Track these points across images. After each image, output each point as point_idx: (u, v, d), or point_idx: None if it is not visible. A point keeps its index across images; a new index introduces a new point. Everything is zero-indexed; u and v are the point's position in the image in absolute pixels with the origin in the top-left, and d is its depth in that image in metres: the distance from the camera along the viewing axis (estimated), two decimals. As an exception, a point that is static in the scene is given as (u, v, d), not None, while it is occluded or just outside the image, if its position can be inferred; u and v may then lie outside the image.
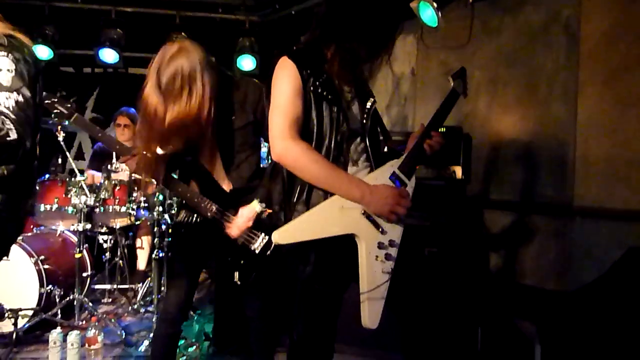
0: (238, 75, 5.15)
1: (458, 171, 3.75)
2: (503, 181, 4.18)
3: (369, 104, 1.93)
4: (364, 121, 1.91)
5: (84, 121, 2.50)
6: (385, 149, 2.10)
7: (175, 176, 2.39)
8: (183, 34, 5.15)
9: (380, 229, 1.74)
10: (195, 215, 2.40)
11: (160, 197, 3.88)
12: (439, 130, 1.98)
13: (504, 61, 4.23)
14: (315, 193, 1.76)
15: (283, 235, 1.66)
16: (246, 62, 5.48)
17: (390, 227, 1.76)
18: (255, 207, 2.27)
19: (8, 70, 1.65)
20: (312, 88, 1.78)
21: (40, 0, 5.30)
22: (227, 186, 2.37)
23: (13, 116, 1.65)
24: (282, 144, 1.72)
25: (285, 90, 1.75)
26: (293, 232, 1.67)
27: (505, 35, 4.24)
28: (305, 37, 1.88)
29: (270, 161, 1.87)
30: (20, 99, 1.66)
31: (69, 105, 2.47)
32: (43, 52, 5.30)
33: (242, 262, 2.32)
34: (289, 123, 1.73)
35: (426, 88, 4.84)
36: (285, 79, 1.76)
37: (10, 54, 1.68)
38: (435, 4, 3.72)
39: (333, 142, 1.79)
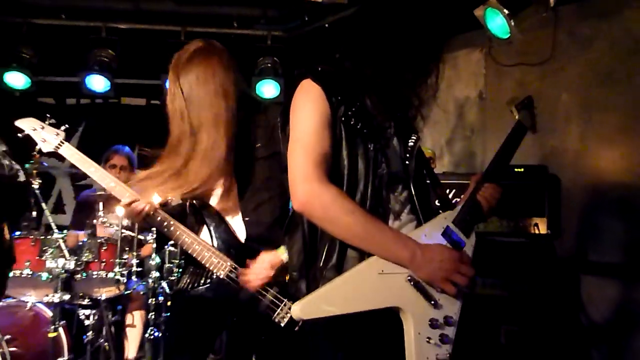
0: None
1: (542, 224, 3.74)
2: (604, 237, 4.12)
3: (411, 142, 1.96)
4: (407, 162, 1.93)
5: (74, 153, 2.54)
6: (436, 200, 2.11)
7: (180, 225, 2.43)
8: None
9: (432, 302, 1.73)
10: (202, 278, 2.43)
11: (158, 260, 3.95)
12: (500, 175, 2.01)
13: (598, 80, 4.26)
14: (350, 254, 1.77)
15: (306, 308, 1.63)
16: (268, 89, 5.48)
17: (445, 300, 1.74)
18: (282, 254, 2.29)
19: None
20: (343, 118, 1.81)
21: (17, 17, 5.54)
22: (241, 233, 2.41)
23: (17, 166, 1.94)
24: (307, 189, 1.71)
25: (310, 120, 1.78)
26: (319, 304, 1.65)
27: (600, 46, 4.29)
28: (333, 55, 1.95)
29: (290, 211, 1.91)
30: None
31: (58, 134, 2.58)
32: (18, 80, 5.54)
33: (262, 337, 2.34)
34: (314, 162, 1.73)
35: (499, 115, 4.84)
36: (310, 107, 1.80)
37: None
38: (506, 10, 3.82)
39: (370, 189, 1.80)
